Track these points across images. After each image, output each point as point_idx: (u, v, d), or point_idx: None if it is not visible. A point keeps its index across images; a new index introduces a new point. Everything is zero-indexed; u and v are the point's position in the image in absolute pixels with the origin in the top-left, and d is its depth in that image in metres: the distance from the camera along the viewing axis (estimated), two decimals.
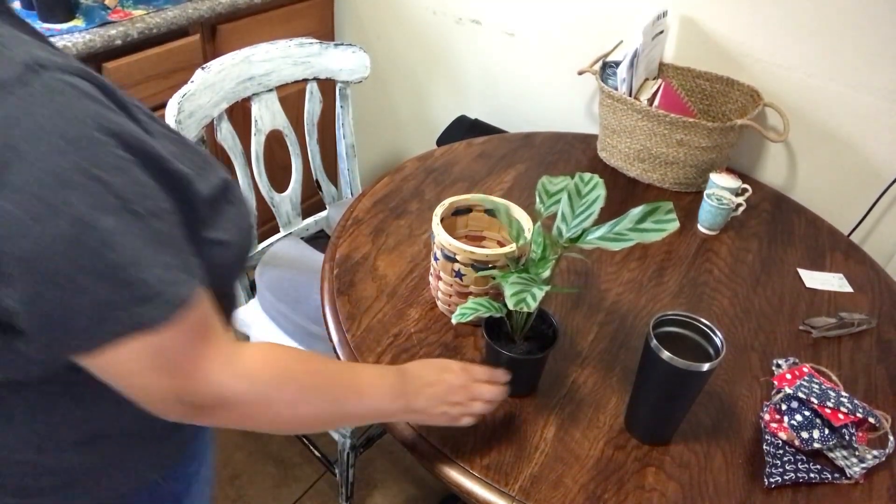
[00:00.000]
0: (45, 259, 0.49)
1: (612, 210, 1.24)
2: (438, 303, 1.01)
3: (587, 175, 0.80)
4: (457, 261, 0.91)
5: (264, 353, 0.64)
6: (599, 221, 0.76)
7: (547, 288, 0.74)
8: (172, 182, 0.58)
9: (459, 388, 0.77)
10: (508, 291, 0.72)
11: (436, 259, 0.95)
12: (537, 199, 0.83)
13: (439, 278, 0.97)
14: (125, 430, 0.67)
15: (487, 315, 0.82)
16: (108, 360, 0.55)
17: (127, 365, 0.55)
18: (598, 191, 0.78)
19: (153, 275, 0.53)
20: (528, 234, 0.92)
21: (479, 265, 0.90)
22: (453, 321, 0.79)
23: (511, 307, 0.71)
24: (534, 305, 0.71)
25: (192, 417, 0.61)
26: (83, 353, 0.54)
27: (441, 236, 0.91)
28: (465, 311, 0.79)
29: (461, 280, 0.92)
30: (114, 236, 0.51)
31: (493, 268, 0.90)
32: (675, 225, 0.73)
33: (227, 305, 0.75)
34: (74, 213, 0.49)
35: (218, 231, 0.65)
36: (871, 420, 0.84)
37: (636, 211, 0.75)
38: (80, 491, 0.68)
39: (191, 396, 0.59)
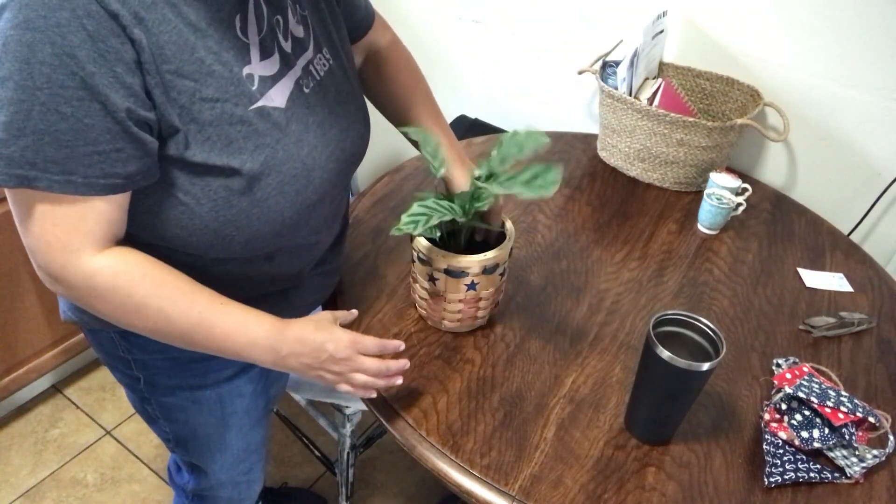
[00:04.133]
0: None
1: (612, 210, 1.24)
2: (417, 307, 0.99)
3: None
4: (431, 265, 0.88)
5: (117, 262, 0.70)
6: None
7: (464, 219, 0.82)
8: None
9: (341, 361, 0.77)
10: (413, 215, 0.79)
11: (413, 261, 0.93)
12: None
13: (415, 280, 0.95)
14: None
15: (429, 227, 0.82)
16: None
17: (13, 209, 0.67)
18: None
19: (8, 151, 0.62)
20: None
21: (454, 271, 0.87)
22: (391, 233, 0.79)
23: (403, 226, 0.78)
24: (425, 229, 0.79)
25: (48, 283, 0.71)
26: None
27: (420, 240, 0.89)
28: (408, 221, 0.79)
29: (435, 284, 0.90)
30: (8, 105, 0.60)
31: (468, 275, 0.88)
32: (553, 189, 0.76)
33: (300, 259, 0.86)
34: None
35: (228, 157, 0.69)
36: (871, 420, 0.84)
37: (527, 172, 0.80)
38: None
39: (41, 265, 0.69)
